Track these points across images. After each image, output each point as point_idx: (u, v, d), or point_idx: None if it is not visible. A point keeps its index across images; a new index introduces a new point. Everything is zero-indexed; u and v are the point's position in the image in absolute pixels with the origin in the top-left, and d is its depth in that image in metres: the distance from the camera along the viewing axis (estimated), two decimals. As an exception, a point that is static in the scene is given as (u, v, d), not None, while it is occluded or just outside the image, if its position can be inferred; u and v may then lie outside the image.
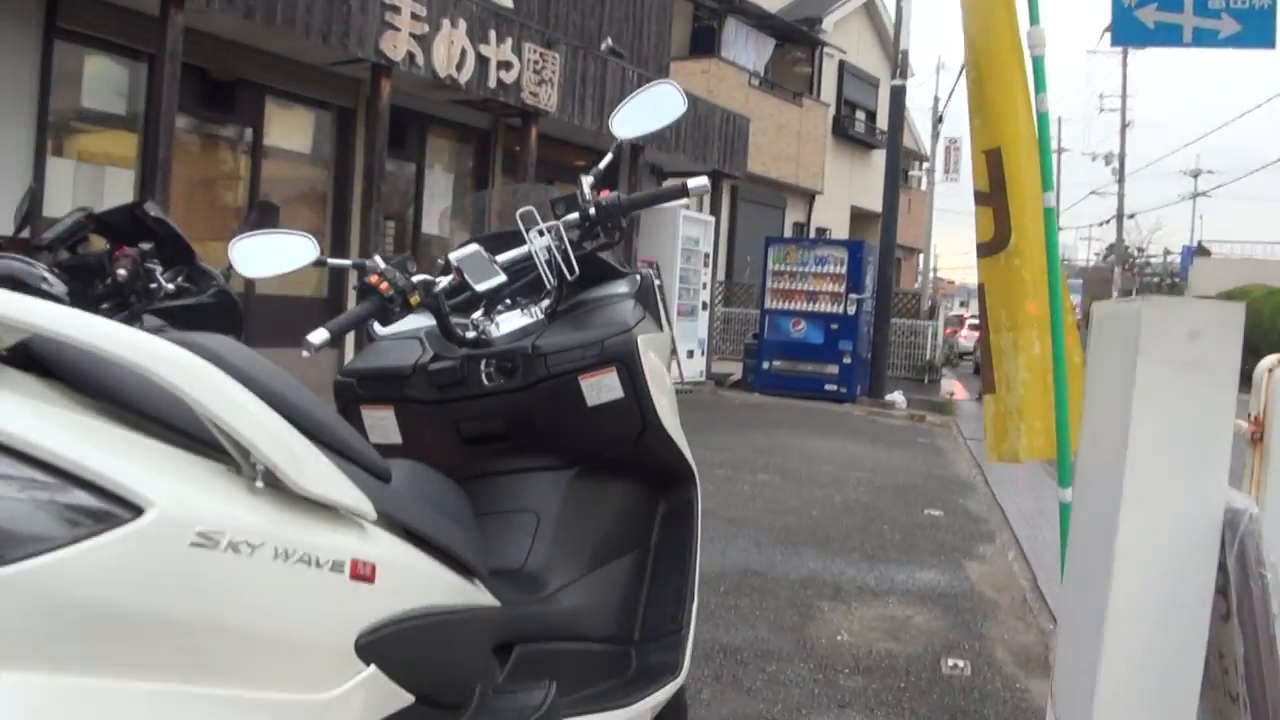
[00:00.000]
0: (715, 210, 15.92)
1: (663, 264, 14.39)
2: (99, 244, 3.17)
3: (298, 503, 1.18)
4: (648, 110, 2.39)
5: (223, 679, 1.07)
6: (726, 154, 15.63)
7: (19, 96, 8.34)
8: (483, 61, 10.91)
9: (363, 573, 1.24)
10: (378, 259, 2.19)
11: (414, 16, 10.12)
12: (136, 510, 0.99)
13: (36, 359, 1.05)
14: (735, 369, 16.05)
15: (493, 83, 10.97)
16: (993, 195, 2.99)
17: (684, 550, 2.38)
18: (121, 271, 2.92)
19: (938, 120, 29.12)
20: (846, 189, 25.38)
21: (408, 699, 1.33)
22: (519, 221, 2.29)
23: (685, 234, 14.72)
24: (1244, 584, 1.28)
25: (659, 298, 2.40)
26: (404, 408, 2.30)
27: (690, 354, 14.80)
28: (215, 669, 1.06)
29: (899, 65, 14.11)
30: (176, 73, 8.12)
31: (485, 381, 2.23)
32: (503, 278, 2.18)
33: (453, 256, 2.21)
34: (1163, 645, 1.34)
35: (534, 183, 2.68)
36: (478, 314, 2.39)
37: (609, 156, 2.38)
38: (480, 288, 2.17)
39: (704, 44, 20.87)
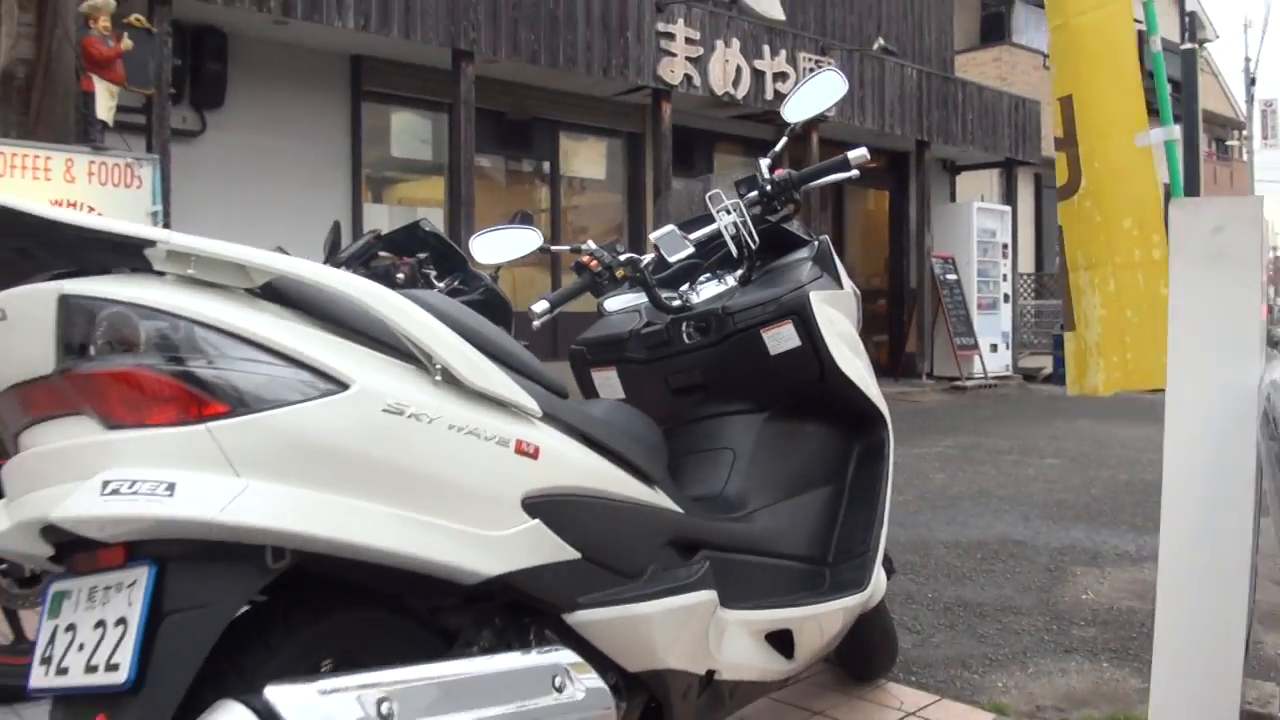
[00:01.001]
0: (1012, 200, 15.62)
1: (959, 259, 14.31)
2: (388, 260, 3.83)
3: (471, 395, 1.61)
4: (814, 95, 2.74)
5: (426, 509, 1.51)
6: (1017, 141, 15.31)
7: (335, 154, 9.55)
8: (758, 75, 11.37)
9: (526, 450, 1.67)
10: (590, 242, 2.64)
11: (688, 41, 10.72)
12: (344, 386, 1.46)
13: (278, 294, 1.55)
14: (1047, 363, 15.63)
15: (770, 95, 11.39)
16: (1066, 141, 3.07)
17: (875, 485, 2.67)
18: (400, 276, 3.54)
19: (1250, 83, 26.84)
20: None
21: (573, 554, 1.74)
22: (708, 203, 2.69)
23: (980, 226, 14.56)
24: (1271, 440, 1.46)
25: (835, 259, 2.72)
26: (624, 368, 2.74)
27: (994, 348, 14.59)
28: (421, 501, 1.50)
29: (1186, 28, 13.36)
30: (472, 118, 9.07)
31: (686, 340, 2.62)
32: (690, 249, 2.57)
33: (652, 237, 2.62)
34: (1213, 496, 1.54)
35: (726, 170, 3.04)
36: (684, 286, 2.80)
37: (783, 140, 2.74)
38: (672, 259, 2.57)
39: (994, 32, 20.47)
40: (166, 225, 6.76)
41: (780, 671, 2.36)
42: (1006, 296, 15.08)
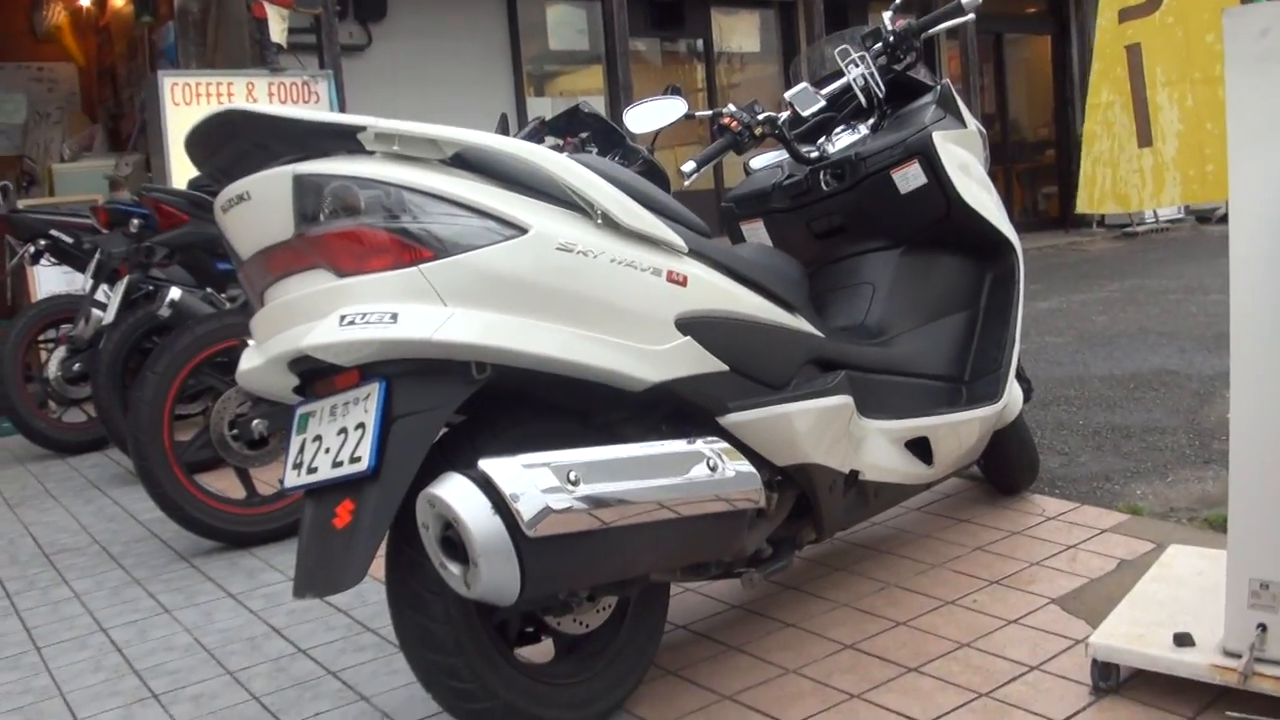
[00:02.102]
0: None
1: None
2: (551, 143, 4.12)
3: (627, 235, 1.91)
4: None
5: (597, 327, 1.82)
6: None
7: (496, 53, 9.83)
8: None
9: (676, 279, 1.96)
10: (730, 105, 2.87)
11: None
12: (524, 230, 1.77)
13: (466, 163, 1.85)
14: (1223, 203, 14.97)
15: (920, -50, 11.14)
16: None
17: (1006, 308, 2.87)
18: (565, 153, 3.82)
19: None
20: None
21: (722, 366, 2.04)
22: (836, 59, 2.89)
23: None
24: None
25: (958, 101, 2.88)
26: (770, 219, 3.00)
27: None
28: (592, 321, 1.82)
29: None
30: (624, 4, 9.23)
31: (824, 187, 2.85)
32: (822, 103, 2.79)
33: (786, 95, 2.84)
34: (1277, 284, 1.71)
35: (853, 28, 3.14)
36: (821, 139, 3.02)
37: None
38: (805, 112, 2.79)
39: None
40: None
41: (921, 475, 2.62)
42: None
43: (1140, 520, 2.99)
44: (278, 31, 7.23)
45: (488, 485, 1.67)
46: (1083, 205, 3.46)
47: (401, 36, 9.28)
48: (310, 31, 8.02)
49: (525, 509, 1.66)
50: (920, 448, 2.60)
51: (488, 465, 1.68)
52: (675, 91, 3.38)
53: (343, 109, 7.44)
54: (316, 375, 1.88)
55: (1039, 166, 14.68)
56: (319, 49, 8.01)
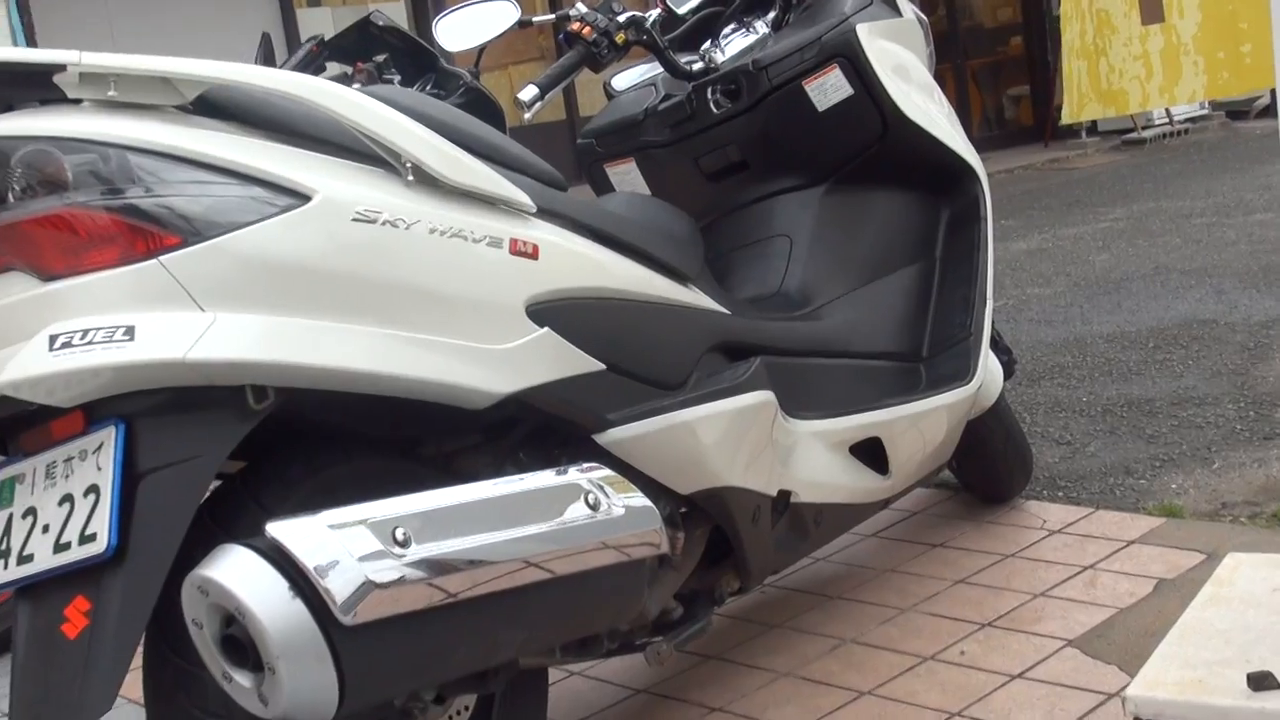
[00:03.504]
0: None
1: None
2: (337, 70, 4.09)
3: (451, 194, 1.90)
4: None
5: (417, 325, 1.80)
6: None
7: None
8: None
9: (523, 250, 1.96)
10: (580, 5, 2.87)
11: None
12: (305, 198, 1.74)
13: (215, 107, 1.81)
14: (1264, 94, 15.50)
15: None
16: None
17: (971, 256, 2.93)
18: (357, 85, 3.80)
19: None
20: None
21: (596, 365, 2.04)
22: (718, -72, 2.93)
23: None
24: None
25: (890, -22, 2.94)
26: (644, 157, 3.02)
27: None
28: (410, 317, 1.80)
29: None
30: None
31: (714, 110, 2.88)
32: (702, -7, 2.83)
33: (655, -17, 2.87)
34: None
35: None
36: (706, 44, 3.05)
37: None
38: (681, 10, 2.82)
39: None
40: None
41: (875, 489, 2.67)
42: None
43: (1180, 524, 3.09)
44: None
45: (281, 557, 1.64)
46: (1068, 116, 3.54)
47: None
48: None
49: (337, 587, 1.64)
50: (871, 452, 2.64)
51: (278, 530, 1.66)
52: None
53: (28, 31, 7.24)
54: (22, 422, 1.83)
55: (1002, 60, 15.04)
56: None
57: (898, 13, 2.92)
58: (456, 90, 4.02)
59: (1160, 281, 6.02)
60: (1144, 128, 13.47)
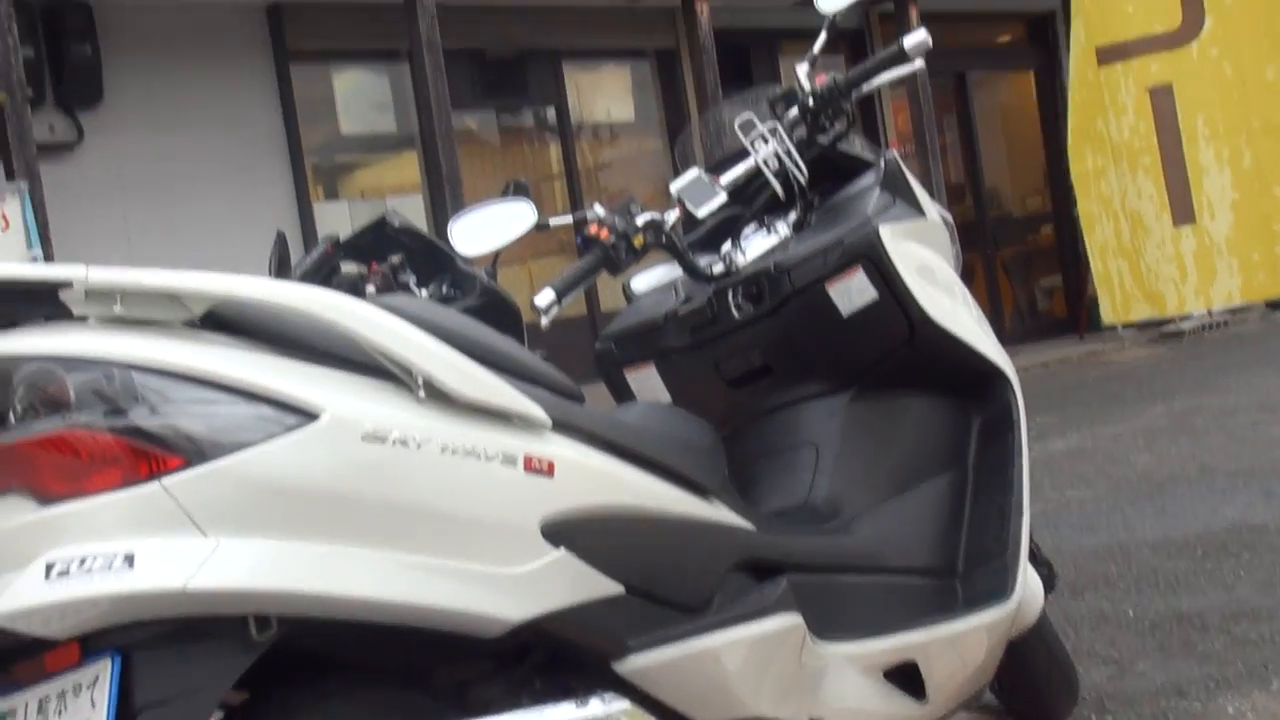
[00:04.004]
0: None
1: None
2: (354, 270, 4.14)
3: (464, 410, 1.90)
4: None
5: (428, 549, 1.79)
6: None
7: (265, 141, 9.98)
8: (826, -59, 11.58)
9: (538, 467, 1.96)
10: (597, 207, 2.91)
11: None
12: (314, 416, 1.75)
13: (223, 322, 1.83)
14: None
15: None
16: None
17: (1005, 465, 2.91)
18: (371, 288, 3.85)
19: None
20: None
21: (615, 587, 2.03)
22: (738, 132, 2.98)
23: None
24: None
25: (910, 180, 2.98)
26: (664, 362, 3.03)
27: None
28: (420, 541, 1.79)
29: None
30: (440, 64, 9.37)
31: (735, 313, 2.89)
32: (723, 196, 2.86)
33: (673, 187, 2.90)
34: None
35: (758, 85, 3.22)
36: (726, 245, 3.08)
37: (821, 36, 3.02)
38: (700, 212, 2.85)
39: None
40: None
41: (911, 717, 2.61)
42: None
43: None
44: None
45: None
46: (1108, 315, 3.56)
47: (126, 127, 9.32)
48: (-10, 128, 7.97)
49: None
50: (906, 676, 2.60)
51: None
52: (519, 190, 3.44)
53: (44, 235, 7.36)
54: (15, 653, 1.82)
55: (1033, 250, 15.17)
56: (5, 151, 7.93)
57: (922, 213, 2.95)
58: (473, 291, 4.06)
59: (1206, 483, 5.99)
60: (1181, 320, 13.54)
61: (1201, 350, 11.95)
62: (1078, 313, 14.55)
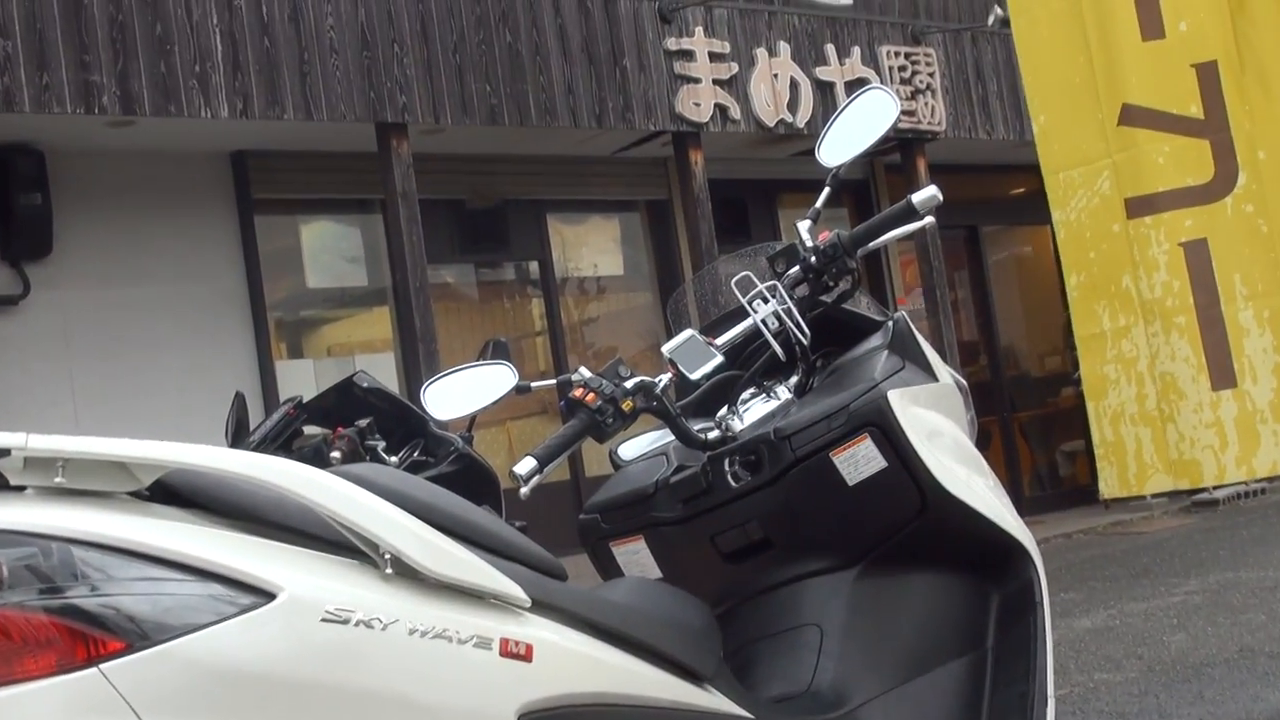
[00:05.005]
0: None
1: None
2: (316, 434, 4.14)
3: (435, 588, 1.88)
4: (859, 125, 3.06)
5: None
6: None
7: (225, 296, 10.03)
8: (824, 89, 11.79)
9: (515, 651, 1.93)
10: (583, 370, 2.91)
11: (714, 57, 11.16)
12: (270, 596, 1.72)
13: (173, 493, 1.83)
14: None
15: (843, 113, 11.75)
16: (1208, 124, 3.28)
17: (1026, 647, 2.88)
18: (336, 454, 3.84)
19: None
20: None
21: None
22: (735, 291, 2.99)
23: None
24: None
25: (920, 341, 2.99)
26: (654, 535, 3.00)
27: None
28: None
29: None
30: (415, 215, 9.50)
31: (732, 483, 2.88)
32: (719, 359, 2.86)
33: (665, 349, 2.91)
34: None
35: (757, 244, 3.25)
36: (722, 410, 3.08)
37: (825, 191, 3.05)
38: (694, 375, 2.85)
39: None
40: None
41: None
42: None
43: None
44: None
45: None
46: (1112, 489, 3.56)
47: (76, 280, 9.36)
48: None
49: None
50: None
51: None
52: (498, 350, 3.45)
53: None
54: None
55: (1054, 413, 15.20)
56: (-54, 307, 7.98)
57: (933, 377, 2.94)
58: (447, 457, 4.06)
59: (1247, 667, 5.92)
60: (1215, 488, 13.52)
61: (1238, 520, 11.92)
62: (1103, 479, 14.54)
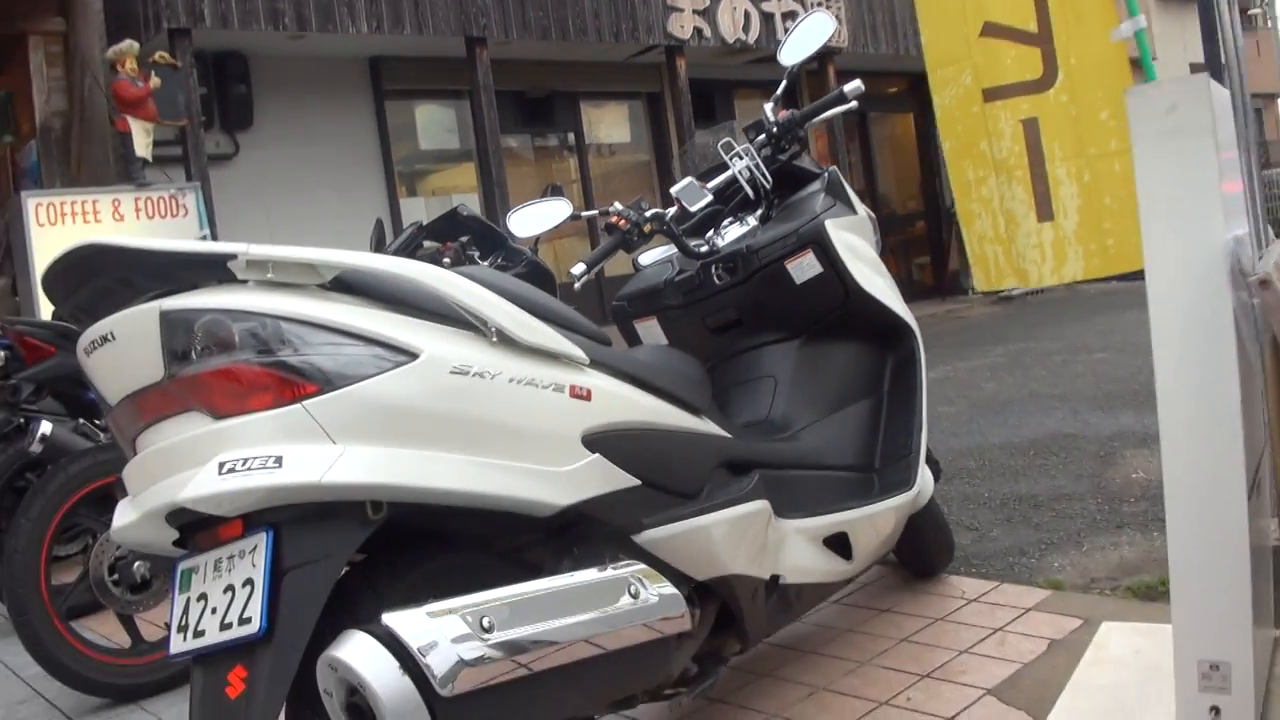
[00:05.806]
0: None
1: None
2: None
3: (525, 350, 1.81)
4: (806, 37, 2.91)
5: (499, 453, 1.72)
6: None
7: (366, 155, 9.85)
8: (767, 18, 11.42)
9: (580, 394, 1.87)
10: (617, 204, 2.82)
11: (692, -7, 10.82)
12: (414, 355, 1.67)
13: (347, 286, 1.74)
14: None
15: (781, 36, 11.41)
16: (1041, 37, 3.16)
17: (911, 392, 2.83)
18: (446, 260, 3.75)
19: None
20: (1181, 49, 23.43)
21: (633, 481, 1.94)
22: (720, 151, 2.86)
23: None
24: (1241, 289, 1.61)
25: (846, 188, 2.88)
26: (664, 315, 2.93)
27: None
28: (493, 447, 1.72)
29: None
30: (493, 101, 9.27)
31: (717, 281, 2.80)
32: (709, 197, 2.75)
33: (673, 190, 2.80)
34: (1197, 343, 1.69)
35: (726, 121, 3.17)
36: (710, 232, 2.98)
37: (784, 82, 2.91)
38: (693, 208, 2.75)
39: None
40: (220, 246, 7.05)
41: (841, 572, 2.55)
42: (1043, 201, 15.05)
43: (1063, 595, 2.95)
44: (142, 145, 7.06)
45: (393, 641, 1.53)
46: (981, 284, 3.52)
47: (269, 144, 9.22)
48: (176, 144, 7.88)
49: (437, 665, 1.52)
50: (839, 543, 2.53)
51: (391, 619, 1.55)
52: (556, 192, 3.34)
53: (212, 221, 7.28)
54: (197, 526, 1.73)
55: (911, 237, 15.09)
56: (185, 161, 7.87)
57: (854, 211, 2.86)
58: (520, 263, 3.97)
59: (1034, 403, 5.91)
60: (1011, 287, 13.44)
61: (1025, 310, 11.89)
62: (941, 282, 14.49)
